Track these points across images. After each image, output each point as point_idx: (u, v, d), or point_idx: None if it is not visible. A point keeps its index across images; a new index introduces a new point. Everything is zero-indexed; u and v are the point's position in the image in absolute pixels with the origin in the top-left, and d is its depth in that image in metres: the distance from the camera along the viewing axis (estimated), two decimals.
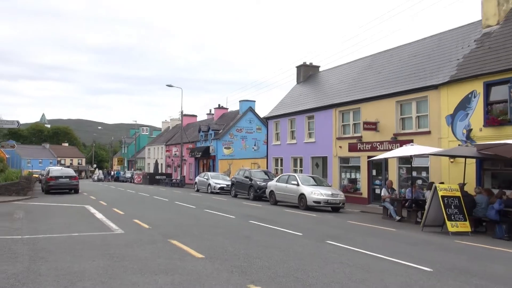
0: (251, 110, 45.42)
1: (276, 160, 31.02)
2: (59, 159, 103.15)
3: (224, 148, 43.76)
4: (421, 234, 12.68)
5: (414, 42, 23.71)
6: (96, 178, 64.25)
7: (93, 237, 9.96)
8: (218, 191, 29.94)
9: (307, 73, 33.01)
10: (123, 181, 58.20)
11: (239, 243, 9.55)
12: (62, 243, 9.09)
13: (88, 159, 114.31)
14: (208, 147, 44.60)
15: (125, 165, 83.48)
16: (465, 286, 6.59)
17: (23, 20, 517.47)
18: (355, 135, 23.26)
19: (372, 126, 21.47)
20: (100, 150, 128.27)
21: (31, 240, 9.43)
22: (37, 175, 47.19)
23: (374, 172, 22.23)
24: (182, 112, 48.60)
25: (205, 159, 46.45)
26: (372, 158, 19.24)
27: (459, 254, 9.63)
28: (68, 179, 26.71)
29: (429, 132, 18.79)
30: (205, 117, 56.52)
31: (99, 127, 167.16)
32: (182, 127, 48.02)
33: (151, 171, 57.23)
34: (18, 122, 26.29)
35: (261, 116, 40.06)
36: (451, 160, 17.20)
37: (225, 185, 29.73)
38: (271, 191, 21.66)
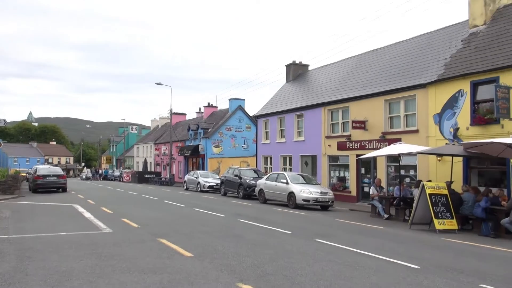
0: (241, 108, 45.41)
1: (266, 158, 31.06)
2: (46, 157, 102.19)
3: (214, 146, 43.70)
4: (409, 232, 12.81)
5: (402, 41, 23.92)
6: (84, 176, 63.75)
7: (81, 236, 9.88)
8: (208, 189, 29.87)
9: (296, 71, 33.10)
10: (111, 180, 57.73)
11: (228, 241, 9.55)
12: (49, 242, 9.00)
13: (76, 158, 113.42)
14: (197, 146, 44.49)
15: (114, 163, 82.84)
16: (452, 282, 6.67)
17: (11, 18, 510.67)
18: (344, 133, 23.37)
19: (360, 124, 21.60)
20: (89, 148, 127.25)
21: (18, 240, 9.33)
22: (24, 174, 46.71)
23: (362, 171, 22.38)
24: (171, 110, 48.29)
25: (195, 158, 46.32)
26: (360, 157, 19.35)
27: (446, 251, 9.76)
28: (55, 178, 26.50)
29: (417, 131, 18.96)
30: (194, 115, 56.38)
31: (87, 126, 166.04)
32: (171, 126, 47.79)
33: (140, 169, 56.90)
34: (4, 120, 25.87)
35: (251, 114, 40.04)
36: (438, 158, 17.39)
37: (215, 184, 29.65)
38: (261, 190, 21.68)
